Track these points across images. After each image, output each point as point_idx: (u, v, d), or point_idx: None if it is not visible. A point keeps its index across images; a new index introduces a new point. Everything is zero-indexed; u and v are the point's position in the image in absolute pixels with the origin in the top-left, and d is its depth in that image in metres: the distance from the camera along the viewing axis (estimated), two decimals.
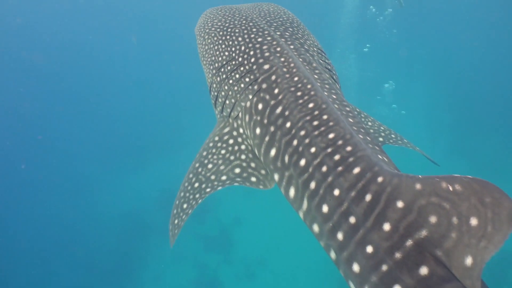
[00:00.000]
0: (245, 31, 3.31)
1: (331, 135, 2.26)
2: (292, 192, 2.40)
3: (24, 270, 16.44)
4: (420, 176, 1.83)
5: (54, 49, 28.82)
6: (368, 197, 1.92)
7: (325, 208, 2.12)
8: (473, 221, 1.63)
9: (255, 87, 2.89)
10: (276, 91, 2.72)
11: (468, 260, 1.63)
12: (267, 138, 2.64)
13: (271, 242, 15.14)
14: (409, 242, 1.74)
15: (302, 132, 2.39)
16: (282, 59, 2.88)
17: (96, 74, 27.09)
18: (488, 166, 17.98)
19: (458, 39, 28.53)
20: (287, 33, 3.32)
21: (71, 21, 31.05)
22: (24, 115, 24.38)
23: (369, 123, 3.29)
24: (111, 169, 20.20)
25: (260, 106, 2.77)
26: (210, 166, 3.01)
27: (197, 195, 3.00)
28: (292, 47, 3.10)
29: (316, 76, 2.84)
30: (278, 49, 2.99)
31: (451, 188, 1.70)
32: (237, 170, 2.91)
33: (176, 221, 3.09)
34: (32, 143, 22.71)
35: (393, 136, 3.27)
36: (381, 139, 3.16)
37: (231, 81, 3.13)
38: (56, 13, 30.83)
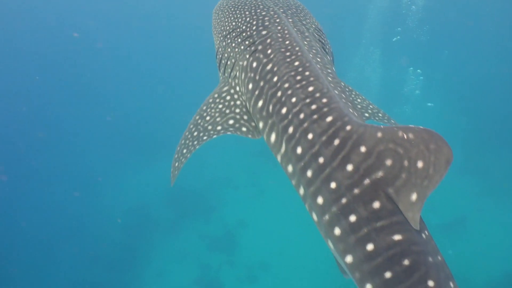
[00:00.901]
0: (253, 8, 3.80)
1: (310, 88, 2.64)
2: (273, 137, 2.79)
3: (29, 259, 16.65)
4: (382, 126, 2.20)
5: (62, 42, 29.17)
6: (336, 142, 2.28)
7: (299, 150, 2.48)
8: (420, 164, 2.03)
9: (252, 48, 3.35)
10: (269, 51, 3.14)
11: (413, 196, 2.05)
12: (257, 92, 3.06)
13: (275, 247, 15.22)
14: (367, 181, 2.12)
15: (286, 85, 2.77)
16: (279, 28, 3.33)
17: (105, 69, 27.34)
18: (500, 185, 17.94)
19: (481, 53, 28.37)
20: (290, 11, 3.80)
21: (81, 14, 31.46)
22: (33, 109, 24.66)
23: (358, 100, 3.59)
24: (119, 164, 20.37)
25: (254, 64, 3.21)
26: (208, 118, 3.46)
27: (195, 142, 3.44)
28: (290, 20, 3.57)
29: (305, 43, 3.26)
30: (278, 20, 3.45)
31: (405, 137, 2.08)
32: (231, 122, 3.35)
33: (176, 164, 3.56)
34: (41, 137, 22.96)
35: (380, 115, 3.56)
36: (367, 114, 3.45)
37: (233, 45, 3.62)
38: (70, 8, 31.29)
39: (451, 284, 2.03)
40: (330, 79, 2.90)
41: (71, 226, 17.41)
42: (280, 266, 15.00)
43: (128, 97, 25.05)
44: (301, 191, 2.46)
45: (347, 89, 3.36)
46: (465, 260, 14.77)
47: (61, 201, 18.79)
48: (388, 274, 1.94)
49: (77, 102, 24.56)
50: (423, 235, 2.10)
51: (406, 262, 1.94)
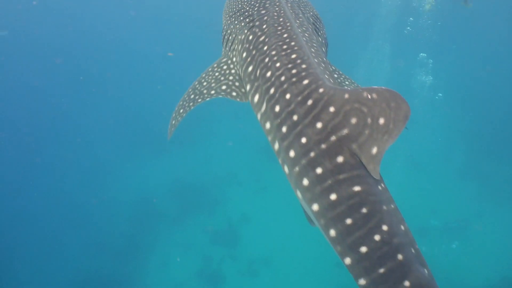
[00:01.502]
0: None
1: (293, 55, 3.01)
2: (256, 97, 3.15)
3: (36, 249, 16.99)
4: (349, 88, 2.51)
5: (74, 32, 29.28)
6: (309, 102, 2.60)
7: (277, 108, 2.81)
8: (381, 121, 2.33)
9: (251, 24, 3.80)
10: (264, 26, 3.58)
11: (374, 150, 2.35)
12: (248, 59, 3.48)
13: (277, 243, 15.50)
14: (333, 138, 2.42)
15: (273, 52, 3.16)
16: (277, 9, 3.76)
17: (113, 63, 27.50)
18: (500, 190, 18.16)
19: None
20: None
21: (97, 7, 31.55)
22: (41, 103, 24.83)
23: (347, 82, 3.98)
24: (125, 156, 20.56)
25: (250, 37, 3.64)
26: (204, 83, 3.95)
27: (191, 103, 3.87)
28: (289, 5, 3.95)
29: (298, 22, 3.65)
30: (277, 3, 3.88)
31: (369, 96, 2.37)
32: (224, 87, 3.78)
33: (173, 122, 4.08)
34: (51, 128, 23.19)
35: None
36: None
37: (236, 22, 4.10)
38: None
39: (402, 227, 2.32)
40: (313, 50, 3.25)
41: (78, 217, 17.74)
42: (281, 262, 15.23)
43: (135, 90, 25.24)
44: (276, 146, 2.77)
45: (331, 67, 3.74)
46: (464, 263, 15.06)
47: (68, 193, 19.08)
48: (348, 221, 2.25)
49: (84, 96, 24.74)
50: (379, 187, 2.39)
51: (364, 210, 2.25)
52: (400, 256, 2.15)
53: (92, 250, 16.40)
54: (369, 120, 2.34)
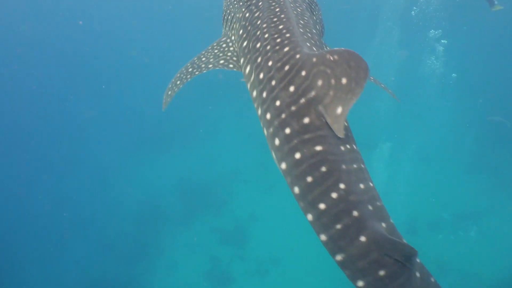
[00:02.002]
0: None
1: (281, 26, 3.23)
2: (248, 69, 3.40)
3: (43, 251, 17.06)
4: (317, 52, 2.72)
5: (75, 31, 29.32)
6: (286, 67, 2.80)
7: (261, 75, 3.04)
8: (344, 80, 2.45)
9: (248, 3, 4.02)
10: (260, 3, 3.80)
11: (339, 110, 2.48)
12: (244, 35, 3.72)
13: (286, 241, 15.43)
14: (302, 100, 2.61)
15: (264, 25, 3.38)
16: None
17: (119, 60, 27.53)
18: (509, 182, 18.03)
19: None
20: None
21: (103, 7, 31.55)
22: (45, 103, 24.90)
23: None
24: (131, 156, 20.63)
25: (247, 15, 3.88)
26: (203, 59, 4.23)
27: (188, 76, 4.22)
28: None
29: (291, 0, 3.85)
30: None
31: (332, 58, 2.51)
32: (222, 61, 4.06)
33: (169, 92, 4.45)
34: (54, 128, 23.25)
35: None
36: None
37: (235, 2, 4.36)
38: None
39: (361, 186, 2.45)
40: (302, 22, 3.43)
41: (82, 219, 17.80)
42: (291, 261, 15.21)
43: (140, 89, 25.23)
44: (259, 111, 3.00)
45: (320, 42, 3.80)
46: (475, 256, 14.97)
47: (72, 194, 19.15)
48: (309, 179, 2.42)
49: (88, 95, 24.80)
50: (342, 148, 2.54)
51: (323, 168, 2.41)
52: (355, 213, 2.28)
53: (97, 252, 16.45)
54: (332, 81, 2.49)
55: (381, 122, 20.99)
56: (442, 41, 23.08)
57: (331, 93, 2.49)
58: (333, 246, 2.34)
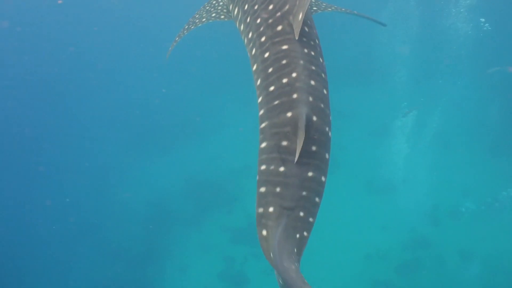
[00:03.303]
0: None
1: None
2: (236, 10, 4.13)
3: (50, 255, 17.16)
4: None
5: (78, 24, 29.21)
6: (270, 6, 3.43)
7: (246, 7, 3.75)
8: None
9: None
10: None
11: (300, 16, 3.09)
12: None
13: None
14: (278, 14, 3.31)
15: None
16: None
17: (122, 54, 27.44)
18: None
19: None
20: None
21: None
22: (46, 100, 24.88)
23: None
24: (135, 156, 20.53)
25: None
26: (197, 16, 5.03)
27: (185, 31, 5.04)
28: None
29: None
30: None
31: None
32: (213, 15, 4.84)
33: (170, 48, 5.36)
34: (58, 126, 23.24)
35: (329, 9, 4.63)
36: (315, 8, 4.48)
37: None
38: None
39: (312, 82, 3.00)
40: None
41: (89, 222, 17.83)
42: (307, 256, 15.13)
43: (144, 86, 25.12)
44: (248, 36, 3.62)
45: None
46: (499, 243, 14.88)
47: (76, 197, 19.17)
48: (270, 70, 3.16)
49: (92, 93, 24.73)
50: (306, 50, 3.14)
51: (284, 61, 3.08)
52: (294, 96, 2.89)
53: (106, 257, 16.55)
54: None
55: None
56: None
57: (297, 2, 3.18)
58: (264, 117, 3.06)
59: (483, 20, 20.48)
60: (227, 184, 18.02)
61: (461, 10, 20.36)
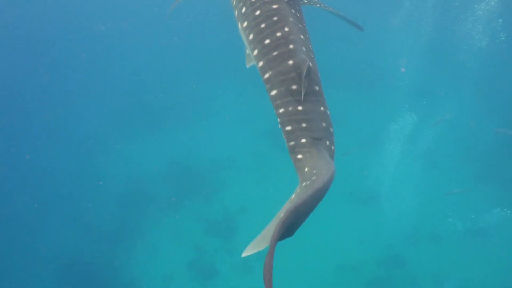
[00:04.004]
0: None
1: None
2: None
3: (19, 221, 17.14)
4: None
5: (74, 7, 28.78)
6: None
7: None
8: None
9: None
10: None
11: None
12: None
13: None
14: None
15: None
16: None
17: (112, 32, 27.05)
18: None
19: None
20: None
21: None
22: (32, 72, 24.47)
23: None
24: (119, 131, 20.29)
25: None
26: None
27: None
28: None
29: None
30: None
31: None
32: None
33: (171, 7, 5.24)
34: (40, 98, 22.88)
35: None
36: (305, 0, 4.49)
37: None
38: None
39: (301, 36, 3.46)
40: None
41: (62, 195, 17.71)
42: (279, 259, 15.18)
43: (131, 65, 24.78)
44: (239, 16, 3.82)
45: None
46: (480, 272, 15.06)
47: (51, 168, 18.97)
48: (263, 25, 3.47)
49: (77, 68, 24.34)
50: (293, 11, 3.57)
51: (275, 18, 3.46)
52: (291, 46, 3.32)
53: (75, 231, 16.49)
54: None
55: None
56: None
57: None
58: (266, 67, 3.38)
59: (504, 35, 20.24)
60: (208, 173, 18.00)
61: (478, 19, 19.93)
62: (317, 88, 3.35)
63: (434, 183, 18.10)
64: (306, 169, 3.15)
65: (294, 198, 3.10)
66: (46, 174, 18.81)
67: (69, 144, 19.82)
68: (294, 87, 3.24)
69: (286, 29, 3.39)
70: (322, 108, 3.33)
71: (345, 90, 19.40)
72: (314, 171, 3.03)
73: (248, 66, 4.12)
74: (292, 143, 3.30)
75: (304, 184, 3.04)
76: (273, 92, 3.34)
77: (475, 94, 21.01)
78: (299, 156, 3.25)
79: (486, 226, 16.86)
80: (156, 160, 18.59)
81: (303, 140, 3.22)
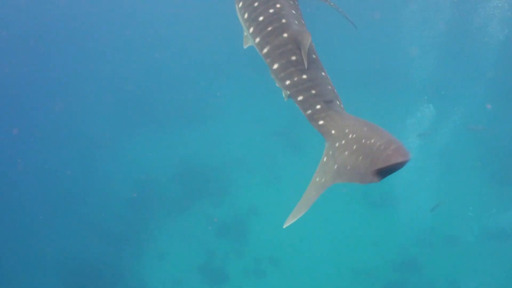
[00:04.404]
0: None
1: None
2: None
3: (27, 222, 17.15)
4: None
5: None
6: None
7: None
8: None
9: None
10: None
11: None
12: None
13: (287, 241, 15.25)
14: None
15: None
16: None
17: (126, 31, 27.08)
18: None
19: None
20: None
21: None
22: (38, 71, 24.60)
23: None
24: (129, 130, 20.29)
25: None
26: None
27: None
28: None
29: None
30: None
31: None
32: None
33: None
34: (41, 95, 22.95)
35: None
36: None
37: None
38: None
39: (293, 11, 3.63)
40: None
41: (70, 196, 17.68)
42: (291, 262, 15.08)
43: (140, 65, 24.78)
44: (242, 15, 3.89)
45: None
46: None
47: (59, 168, 18.95)
48: (256, 3, 3.67)
49: (84, 68, 24.37)
50: (292, 1, 3.78)
51: (276, 6, 3.62)
52: (283, 20, 3.51)
53: (83, 232, 16.46)
54: None
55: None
56: None
57: None
58: (263, 43, 3.57)
59: None
60: (219, 174, 17.87)
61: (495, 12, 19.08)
62: (314, 56, 3.59)
63: (451, 185, 17.81)
64: (333, 131, 3.34)
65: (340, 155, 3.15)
66: (54, 176, 18.80)
67: (77, 146, 19.81)
68: (293, 58, 3.45)
69: (278, 5, 3.63)
70: (323, 73, 3.56)
71: (359, 88, 19.12)
72: (346, 130, 3.21)
73: (245, 47, 4.33)
74: (309, 111, 3.49)
75: (337, 144, 3.21)
76: (275, 66, 3.56)
77: (491, 93, 20.64)
78: (321, 122, 3.44)
79: (504, 228, 16.61)
80: (165, 161, 18.53)
81: (318, 106, 3.43)
